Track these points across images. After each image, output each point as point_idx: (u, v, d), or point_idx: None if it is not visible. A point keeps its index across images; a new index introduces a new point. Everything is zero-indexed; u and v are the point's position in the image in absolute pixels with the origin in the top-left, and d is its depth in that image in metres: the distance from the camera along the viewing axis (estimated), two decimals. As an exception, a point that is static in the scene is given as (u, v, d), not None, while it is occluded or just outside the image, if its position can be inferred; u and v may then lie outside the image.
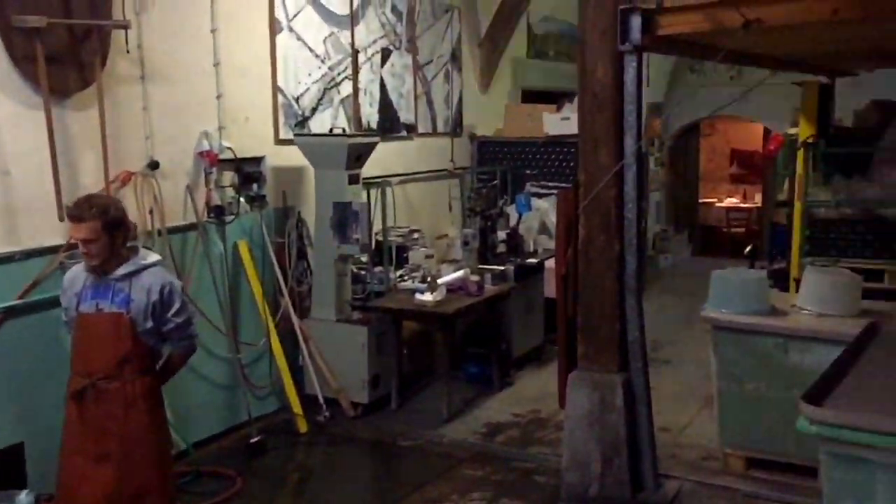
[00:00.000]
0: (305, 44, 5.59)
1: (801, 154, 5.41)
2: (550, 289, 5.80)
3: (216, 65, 4.90)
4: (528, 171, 7.57)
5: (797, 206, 5.43)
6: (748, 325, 4.22)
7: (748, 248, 7.63)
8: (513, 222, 6.72)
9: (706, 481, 4.27)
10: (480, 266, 6.03)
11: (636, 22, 3.74)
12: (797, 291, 4.55)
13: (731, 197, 13.20)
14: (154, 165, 4.50)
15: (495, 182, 7.06)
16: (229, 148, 4.91)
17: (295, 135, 5.44)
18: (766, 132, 11.35)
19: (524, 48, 8.42)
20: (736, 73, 10.43)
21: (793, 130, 6.50)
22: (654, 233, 10.70)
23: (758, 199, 12.26)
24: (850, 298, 4.26)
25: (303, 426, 5.12)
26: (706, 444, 4.69)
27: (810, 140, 5.48)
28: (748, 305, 4.28)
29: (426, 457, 4.82)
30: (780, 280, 6.15)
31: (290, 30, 5.46)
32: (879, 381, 2.91)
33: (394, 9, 6.42)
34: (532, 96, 8.39)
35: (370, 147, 5.46)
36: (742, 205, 12.79)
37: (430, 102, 6.98)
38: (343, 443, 5.02)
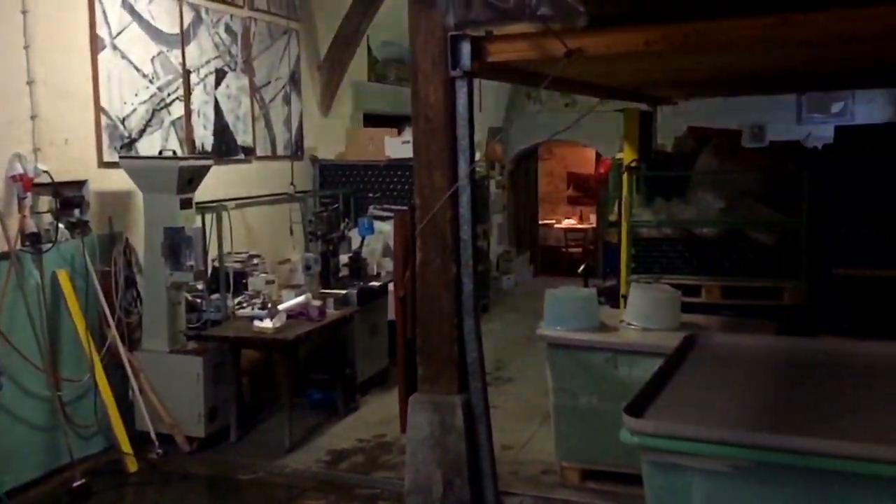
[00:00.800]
0: (132, 62, 5.33)
1: (625, 177, 5.73)
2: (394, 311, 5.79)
3: (30, 83, 4.58)
4: (370, 195, 7.57)
5: (624, 226, 5.74)
6: (579, 341, 4.37)
7: (581, 267, 7.97)
8: (355, 245, 6.68)
9: (544, 495, 4.38)
10: (323, 291, 5.95)
11: (466, 49, 3.82)
12: (626, 307, 4.78)
13: (568, 218, 13.78)
14: (-42, 190, 4.14)
15: (337, 205, 7.01)
16: (46, 171, 4.59)
17: (120, 157, 5.17)
18: (598, 156, 11.96)
19: (365, 72, 8.45)
20: (570, 101, 10.96)
21: (620, 155, 6.88)
22: (497, 254, 10.98)
23: (593, 219, 12.86)
24: (671, 313, 4.51)
25: (132, 466, 4.83)
26: (545, 459, 4.80)
27: (633, 164, 5.81)
28: (579, 322, 4.44)
29: (267, 489, 4.67)
30: (613, 297, 6.47)
31: (115, 47, 5.20)
32: (696, 391, 3.08)
33: (228, 29, 6.27)
34: (374, 120, 8.42)
35: (203, 170, 5.27)
36: (579, 226, 13.37)
37: (268, 125, 6.84)
38: (177, 481, 4.77)
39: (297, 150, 7.27)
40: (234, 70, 6.38)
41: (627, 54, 3.78)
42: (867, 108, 10.08)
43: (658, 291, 4.61)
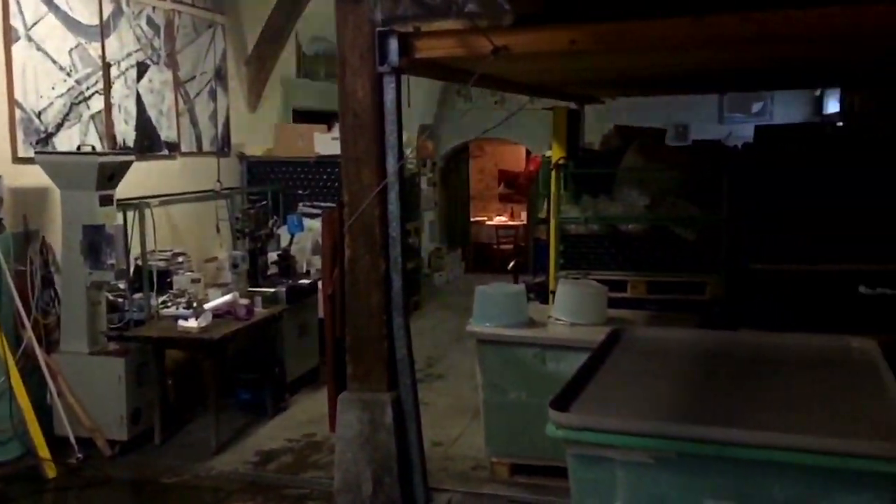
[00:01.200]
0: (48, 55, 5.15)
1: (553, 175, 5.80)
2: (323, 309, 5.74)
3: (-63, 74, 4.39)
4: (300, 192, 7.48)
5: (552, 223, 5.81)
6: (508, 337, 4.41)
7: (511, 264, 8.04)
8: (285, 243, 6.60)
9: (474, 491, 4.40)
10: (250, 289, 5.86)
11: (393, 44, 3.81)
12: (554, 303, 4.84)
13: (500, 215, 13.89)
14: None
15: (265, 202, 6.91)
16: (-45, 167, 4.40)
17: (36, 153, 4.98)
18: (528, 154, 12.09)
19: (294, 67, 8.34)
20: (500, 99, 11.05)
21: (549, 153, 6.97)
22: (429, 251, 10.99)
23: (524, 216, 12.99)
24: (598, 308, 4.58)
25: (51, 471, 4.66)
26: (476, 455, 4.83)
27: (561, 162, 5.89)
28: (508, 319, 4.48)
29: (193, 492, 4.57)
30: (542, 293, 6.55)
31: (30, 39, 5.01)
32: (620, 384, 3.14)
33: (150, 21, 6.10)
34: (303, 116, 8.32)
35: (124, 166, 5.12)
36: (510, 223, 13.49)
37: (193, 120, 6.69)
38: (99, 486, 4.63)
39: (223, 146, 7.13)
40: (157, 64, 6.21)
41: (553, 53, 3.82)
42: (785, 109, 10.45)
43: (585, 287, 4.68)
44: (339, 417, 4.11)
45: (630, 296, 5.36)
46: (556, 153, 6.09)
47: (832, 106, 9.76)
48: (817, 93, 10.23)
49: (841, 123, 8.84)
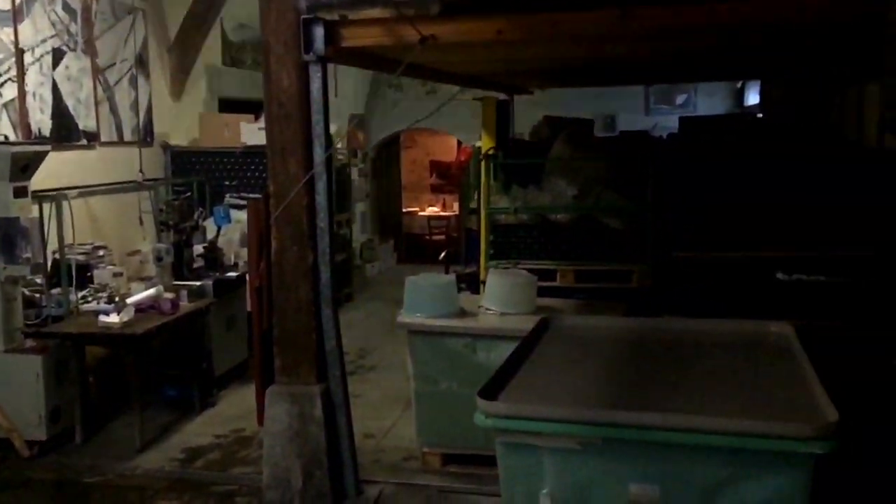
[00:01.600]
0: (-45, 39, 4.91)
1: (483, 165, 5.81)
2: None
3: None
4: (227, 182, 7.33)
5: (482, 213, 5.83)
6: (438, 327, 4.41)
7: (442, 254, 8.04)
8: (211, 235, 6.45)
9: (406, 482, 4.40)
10: (176, 282, 5.71)
11: (319, 32, 3.75)
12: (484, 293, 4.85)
13: (432, 206, 13.89)
14: None
15: (189, 193, 6.74)
16: None
17: (-56, 142, 4.75)
18: (460, 144, 12.12)
19: (219, 55, 8.16)
20: (431, 89, 11.03)
21: (479, 143, 6.99)
22: (361, 242, 10.92)
23: (455, 207, 13.02)
24: (528, 297, 4.62)
25: (-36, 475, 4.47)
26: (408, 446, 4.82)
27: (491, 152, 5.91)
28: (438, 309, 4.47)
29: (116, 492, 4.43)
30: (473, 283, 6.57)
31: (-65, 22, 4.77)
32: (548, 372, 3.17)
33: (66, 6, 5.87)
34: (230, 105, 8.15)
35: (39, 156, 4.92)
36: (442, 213, 13.51)
37: (114, 109, 6.47)
38: (16, 488, 4.45)
39: (146, 135, 6.92)
40: (75, 50, 5.99)
41: (480, 43, 3.83)
42: (709, 100, 10.72)
43: (515, 277, 4.71)
44: (267, 411, 4.04)
45: (559, 285, 5.42)
46: (485, 144, 6.11)
47: (753, 98, 10.06)
48: (738, 85, 10.52)
49: (761, 115, 9.13)
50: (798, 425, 2.41)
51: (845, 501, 3.61)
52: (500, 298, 4.57)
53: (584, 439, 2.56)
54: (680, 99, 10.78)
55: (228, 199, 7.14)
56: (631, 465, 2.56)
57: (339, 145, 9.11)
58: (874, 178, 4.82)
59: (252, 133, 7.20)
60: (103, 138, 6.35)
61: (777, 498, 2.43)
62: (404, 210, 13.17)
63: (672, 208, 5.16)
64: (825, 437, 2.34)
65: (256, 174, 7.24)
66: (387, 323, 7.81)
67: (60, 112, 5.84)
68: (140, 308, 5.13)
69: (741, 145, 5.80)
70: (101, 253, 5.87)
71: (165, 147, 7.25)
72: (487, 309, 4.60)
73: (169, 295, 5.34)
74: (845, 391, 3.14)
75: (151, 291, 5.34)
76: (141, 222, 6.67)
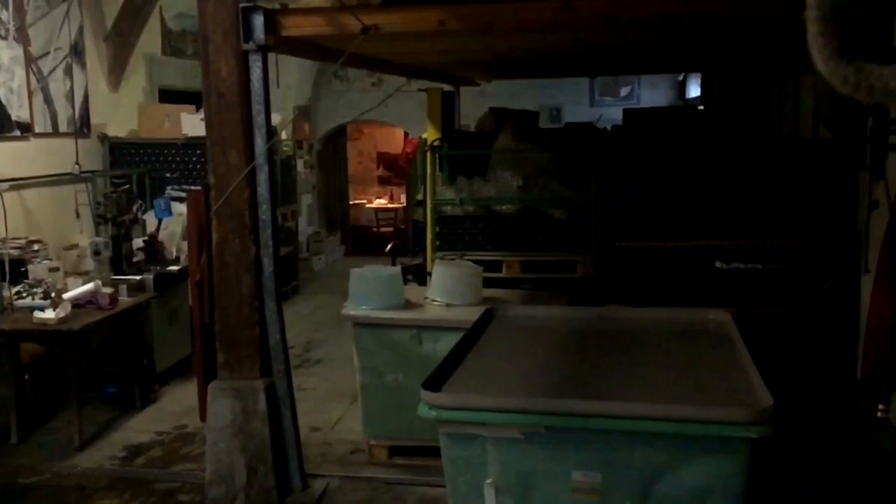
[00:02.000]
0: None
1: (429, 156, 5.80)
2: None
3: None
4: (168, 174, 7.18)
5: (428, 204, 5.82)
6: (383, 319, 4.39)
7: (389, 246, 8.02)
8: (151, 229, 6.32)
9: (352, 475, 4.38)
10: (114, 277, 5.58)
11: (259, 21, 3.68)
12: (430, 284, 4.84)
13: (379, 198, 13.83)
14: None
15: (128, 186, 6.59)
16: None
17: None
18: (406, 136, 12.07)
19: (159, 44, 7.97)
20: (377, 80, 10.96)
21: (425, 135, 6.97)
22: (307, 235, 10.82)
23: (403, 199, 13.00)
24: (474, 288, 4.62)
25: None
26: (354, 439, 4.80)
27: (436, 143, 5.89)
28: (384, 301, 4.45)
29: (55, 492, 4.32)
30: (420, 275, 6.56)
31: None
32: (492, 362, 3.18)
33: (-4, -8, 5.67)
34: (171, 96, 7.98)
35: (-31, 148, 4.75)
36: (390, 205, 13.46)
37: (48, 99, 6.28)
38: (-53, 491, 4.32)
39: (82, 126, 6.73)
40: (6, 38, 5.78)
41: (423, 33, 3.81)
42: (652, 93, 10.87)
43: (460, 268, 4.71)
44: (209, 407, 3.98)
45: (505, 275, 5.43)
46: (431, 135, 6.10)
47: (694, 90, 10.23)
48: (680, 77, 10.69)
49: (702, 107, 9.30)
50: (734, 410, 2.46)
51: (781, 482, 3.72)
52: (446, 290, 4.57)
53: (526, 429, 2.57)
54: (624, 91, 10.92)
55: (169, 191, 7.00)
56: (573, 452, 2.58)
57: (283, 137, 9.00)
58: (807, 168, 4.94)
59: (193, 124, 7.06)
60: (37, 129, 6.15)
61: (715, 481, 2.48)
62: (351, 202, 13.08)
63: (615, 199, 5.22)
64: (760, 422, 2.40)
65: (199, 166, 7.10)
66: (334, 316, 7.73)
67: (-9, 102, 5.65)
68: (77, 303, 5.00)
69: (682, 136, 5.89)
70: (35, 247, 5.69)
71: (103, 138, 7.06)
72: (433, 300, 4.59)
73: (107, 290, 5.22)
74: (781, 376, 3.23)
75: (89, 286, 5.21)
76: (78, 216, 6.49)
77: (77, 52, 6.64)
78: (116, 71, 7.22)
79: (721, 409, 2.49)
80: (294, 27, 3.75)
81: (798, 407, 3.65)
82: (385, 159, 14.00)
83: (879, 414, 3.66)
